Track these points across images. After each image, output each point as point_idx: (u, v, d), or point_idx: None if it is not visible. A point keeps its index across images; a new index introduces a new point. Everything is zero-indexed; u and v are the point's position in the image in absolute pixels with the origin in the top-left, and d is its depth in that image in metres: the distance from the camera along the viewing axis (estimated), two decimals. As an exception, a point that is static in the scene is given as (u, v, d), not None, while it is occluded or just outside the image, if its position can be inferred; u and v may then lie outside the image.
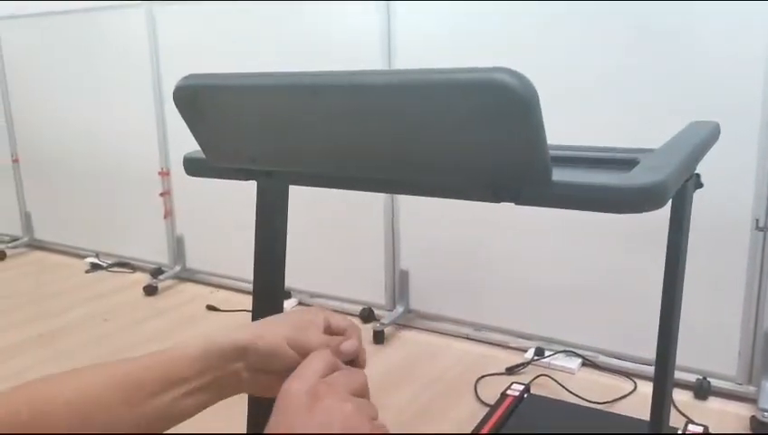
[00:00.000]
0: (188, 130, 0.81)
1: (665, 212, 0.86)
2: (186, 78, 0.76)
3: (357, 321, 2.48)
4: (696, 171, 0.84)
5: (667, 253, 0.85)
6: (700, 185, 0.86)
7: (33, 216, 3.52)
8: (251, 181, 0.91)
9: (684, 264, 0.86)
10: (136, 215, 3.10)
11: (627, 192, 0.65)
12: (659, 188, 0.65)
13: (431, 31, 2.17)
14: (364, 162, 0.75)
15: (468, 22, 2.10)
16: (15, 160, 3.46)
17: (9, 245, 3.46)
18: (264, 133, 0.76)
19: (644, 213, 0.68)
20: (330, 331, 0.60)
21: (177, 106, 0.77)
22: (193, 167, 0.90)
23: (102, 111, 3.05)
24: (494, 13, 2.05)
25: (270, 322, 0.59)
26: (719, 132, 1.00)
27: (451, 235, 2.30)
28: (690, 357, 1.89)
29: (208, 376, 0.55)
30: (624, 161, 0.82)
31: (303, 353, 0.55)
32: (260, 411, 1.02)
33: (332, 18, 2.33)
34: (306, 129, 0.72)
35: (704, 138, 0.88)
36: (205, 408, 0.57)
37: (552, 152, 0.69)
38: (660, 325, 0.96)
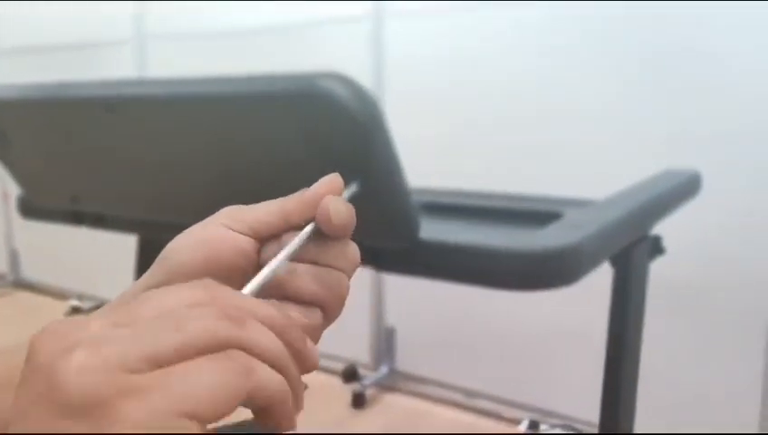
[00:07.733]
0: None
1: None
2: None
3: (338, 381, 2.26)
4: (652, 232, 0.64)
5: (608, 339, 0.64)
6: (660, 251, 0.65)
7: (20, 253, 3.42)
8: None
9: (636, 347, 0.65)
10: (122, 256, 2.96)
11: (516, 261, 0.45)
12: (567, 255, 0.45)
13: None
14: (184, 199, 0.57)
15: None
16: (4, 196, 3.39)
17: (-7, 282, 3.35)
18: (75, 164, 0.59)
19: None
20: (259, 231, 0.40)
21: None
22: (30, 209, 0.74)
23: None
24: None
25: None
26: (700, 183, 0.80)
27: (443, 290, 2.10)
28: None
29: None
30: (544, 215, 0.61)
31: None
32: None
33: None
34: (112, 157, 0.55)
35: (669, 189, 0.68)
36: None
37: (454, 200, 0.50)
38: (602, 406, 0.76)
